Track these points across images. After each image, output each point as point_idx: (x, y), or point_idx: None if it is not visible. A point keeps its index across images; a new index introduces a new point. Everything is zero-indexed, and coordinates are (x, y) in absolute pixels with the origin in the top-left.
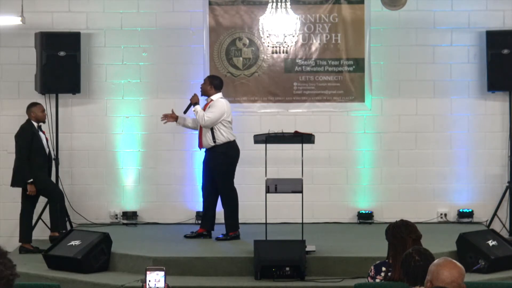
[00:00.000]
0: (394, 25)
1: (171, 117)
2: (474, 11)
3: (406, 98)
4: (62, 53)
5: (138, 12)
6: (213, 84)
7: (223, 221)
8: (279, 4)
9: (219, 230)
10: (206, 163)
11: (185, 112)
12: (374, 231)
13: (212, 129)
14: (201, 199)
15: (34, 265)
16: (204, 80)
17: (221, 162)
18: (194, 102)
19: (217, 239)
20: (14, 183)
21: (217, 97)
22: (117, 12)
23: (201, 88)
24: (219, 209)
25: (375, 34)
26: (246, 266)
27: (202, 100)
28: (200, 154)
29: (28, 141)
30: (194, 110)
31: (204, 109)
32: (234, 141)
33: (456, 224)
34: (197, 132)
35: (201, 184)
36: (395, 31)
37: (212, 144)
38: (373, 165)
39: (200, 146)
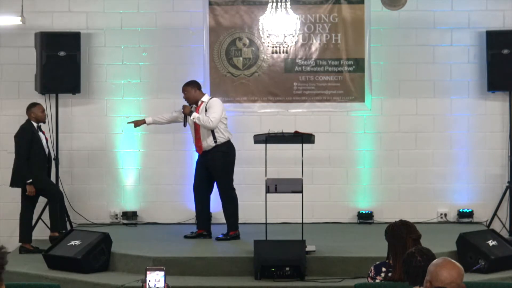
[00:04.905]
0: (394, 25)
1: (138, 122)
2: (474, 11)
3: (406, 98)
4: (62, 53)
5: (138, 12)
6: (196, 86)
7: (222, 221)
8: (279, 4)
9: (219, 230)
10: (204, 163)
11: (185, 125)
12: (374, 231)
13: (212, 130)
14: None
15: (34, 265)
16: (185, 89)
17: (223, 161)
18: (188, 112)
19: (217, 239)
20: (13, 184)
21: (207, 97)
22: (117, 12)
23: (187, 98)
24: (218, 209)
25: (375, 34)
26: (246, 266)
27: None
28: None
29: (28, 141)
30: (192, 119)
31: (198, 112)
32: (231, 140)
33: (456, 224)
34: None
35: (192, 184)
36: (395, 31)
37: (213, 144)
38: (373, 165)
39: (200, 150)
